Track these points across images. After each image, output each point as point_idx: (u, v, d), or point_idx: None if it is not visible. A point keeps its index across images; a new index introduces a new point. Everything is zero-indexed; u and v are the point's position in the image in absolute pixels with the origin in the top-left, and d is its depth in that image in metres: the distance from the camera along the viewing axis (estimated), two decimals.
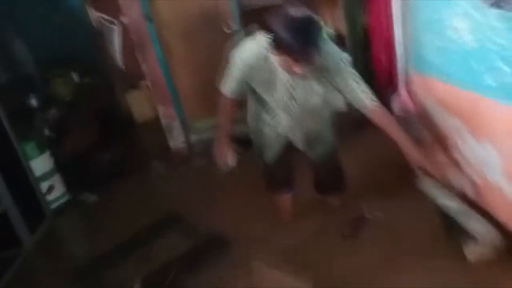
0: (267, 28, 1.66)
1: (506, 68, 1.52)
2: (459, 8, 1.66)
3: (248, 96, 2.09)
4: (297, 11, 1.62)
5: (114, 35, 4.90)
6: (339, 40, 3.34)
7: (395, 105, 2.52)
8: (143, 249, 2.38)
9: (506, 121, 1.63)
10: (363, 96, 1.82)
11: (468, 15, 1.64)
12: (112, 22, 4.86)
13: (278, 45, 1.65)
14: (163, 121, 3.67)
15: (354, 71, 1.85)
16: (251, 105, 2.12)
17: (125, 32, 4.22)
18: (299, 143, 2.13)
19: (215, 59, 3.45)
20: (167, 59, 3.54)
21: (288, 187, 2.35)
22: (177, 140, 3.70)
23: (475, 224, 1.79)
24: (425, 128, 2.30)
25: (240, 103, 2.09)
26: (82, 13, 4.91)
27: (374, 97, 1.85)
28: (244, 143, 2.99)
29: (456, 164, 2.09)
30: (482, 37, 1.62)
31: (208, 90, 3.46)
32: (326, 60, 1.78)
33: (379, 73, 3.08)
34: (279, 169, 2.25)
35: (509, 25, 1.44)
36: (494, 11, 1.45)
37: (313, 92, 1.93)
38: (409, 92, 2.42)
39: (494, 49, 1.56)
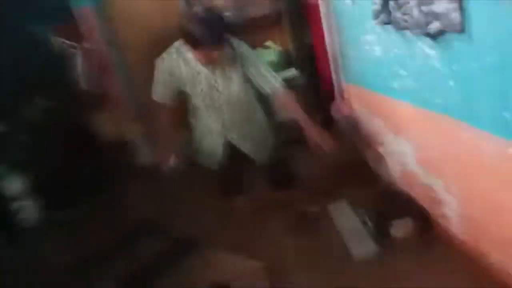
0: (182, 30, 1.94)
1: (403, 72, 1.87)
2: (368, 25, 2.00)
3: (188, 116, 2.34)
4: (202, 10, 1.94)
5: (77, 59, 5.09)
6: (286, 57, 3.69)
7: (333, 111, 2.86)
8: (120, 254, 2.56)
9: (413, 119, 1.96)
10: (274, 81, 2.13)
11: (375, 30, 1.99)
12: (73, 47, 5.06)
13: (190, 39, 1.93)
14: (129, 138, 3.87)
15: (265, 63, 2.17)
16: (191, 123, 2.36)
17: (89, 56, 4.43)
18: (243, 146, 2.32)
19: None
20: (130, 80, 3.76)
21: (238, 191, 2.57)
22: (143, 157, 3.91)
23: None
24: (356, 128, 2.63)
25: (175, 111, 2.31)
26: (45, 41, 5.08)
27: (283, 83, 2.15)
28: None
29: (382, 157, 2.42)
30: (384, 47, 1.97)
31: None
32: (242, 54, 2.09)
33: (323, 84, 3.42)
34: (227, 176, 2.47)
35: (399, 37, 1.79)
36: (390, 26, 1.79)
37: (232, 81, 2.14)
38: (344, 99, 2.76)
39: (393, 57, 1.91)
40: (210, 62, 2.04)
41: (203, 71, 2.09)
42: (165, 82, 2.19)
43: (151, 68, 3.68)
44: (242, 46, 2.12)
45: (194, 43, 1.93)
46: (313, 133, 2.13)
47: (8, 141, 3.81)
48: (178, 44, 2.12)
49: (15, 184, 3.39)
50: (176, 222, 2.75)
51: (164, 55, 2.17)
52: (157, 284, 2.18)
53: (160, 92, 2.23)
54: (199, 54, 1.99)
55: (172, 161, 2.26)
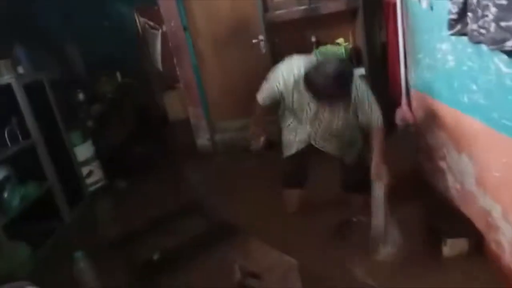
0: (308, 79, 1.90)
1: (474, 87, 1.75)
2: (444, 33, 1.88)
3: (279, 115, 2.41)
4: (332, 66, 1.85)
5: (157, 40, 5.39)
6: (356, 54, 3.59)
7: (398, 117, 2.75)
8: (165, 229, 2.72)
9: (479, 137, 1.84)
10: (374, 119, 2.12)
11: (450, 39, 1.87)
12: (155, 28, 5.36)
13: (315, 91, 1.91)
14: (192, 120, 4.04)
15: (373, 98, 2.12)
16: (282, 107, 2.36)
17: (165, 38, 4.66)
18: (329, 150, 2.35)
19: (242, 67, 3.83)
20: (199, 65, 3.91)
21: (298, 184, 2.55)
22: (203, 138, 4.06)
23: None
24: (419, 138, 2.51)
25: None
26: (130, 20, 5.42)
27: (380, 120, 2.13)
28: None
29: (441, 171, 2.30)
30: (458, 58, 1.85)
31: (233, 95, 3.84)
32: (356, 92, 2.05)
33: (392, 85, 3.29)
34: (293, 167, 2.48)
35: (475, 50, 1.67)
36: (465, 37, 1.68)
37: (339, 117, 2.16)
38: (410, 106, 2.64)
39: (466, 70, 1.79)
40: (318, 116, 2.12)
41: (314, 104, 2.11)
42: (275, 94, 2.20)
43: (218, 53, 3.82)
44: (359, 88, 2.07)
45: (318, 96, 1.94)
46: (376, 167, 2.09)
47: (84, 110, 4.16)
48: (299, 64, 2.07)
49: (86, 151, 3.68)
50: (223, 207, 2.85)
51: (284, 69, 2.13)
52: (192, 262, 2.28)
53: (266, 99, 2.26)
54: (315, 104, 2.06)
55: (262, 141, 2.39)
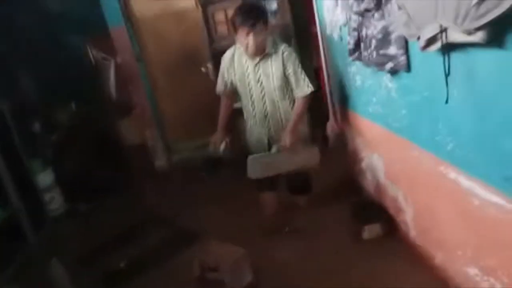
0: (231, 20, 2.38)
1: (374, 99, 2.24)
2: (349, 58, 2.38)
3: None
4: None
5: (110, 70, 5.63)
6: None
7: (328, 129, 3.23)
8: (129, 241, 2.99)
9: (382, 138, 2.32)
10: (305, 85, 2.43)
11: (355, 63, 2.37)
12: (107, 59, 5.61)
13: (233, 23, 2.35)
14: (149, 143, 4.33)
15: (302, 69, 2.44)
16: (244, 117, 2.70)
17: (118, 68, 4.95)
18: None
19: (194, 92, 4.21)
20: (153, 92, 4.25)
21: (271, 187, 2.79)
22: (160, 160, 4.36)
23: None
24: (346, 145, 3.00)
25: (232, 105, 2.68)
26: (81, 51, 5.64)
27: (311, 88, 2.43)
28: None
29: (363, 170, 2.77)
30: (362, 78, 2.35)
31: (188, 117, 4.20)
32: (283, 53, 2.41)
33: (325, 102, 3.80)
34: None
35: (371, 71, 2.17)
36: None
37: (272, 74, 2.43)
38: (335, 118, 3.13)
39: (368, 86, 2.28)
40: (249, 51, 2.35)
41: (249, 63, 2.46)
42: (223, 75, 2.58)
43: (170, 81, 4.18)
44: (282, 46, 2.45)
45: (234, 25, 2.35)
46: (286, 138, 2.43)
47: (42, 139, 4.32)
48: (231, 49, 2.55)
49: (46, 178, 3.86)
50: (185, 217, 3.17)
51: (224, 57, 2.58)
52: (159, 266, 2.57)
53: (219, 83, 2.62)
54: (239, 38, 2.35)
55: (222, 147, 2.58)
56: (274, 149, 2.50)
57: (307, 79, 2.44)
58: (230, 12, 3.48)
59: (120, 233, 3.16)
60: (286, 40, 3.92)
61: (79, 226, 3.68)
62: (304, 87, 2.43)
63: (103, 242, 3.08)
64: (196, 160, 4.00)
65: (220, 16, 3.84)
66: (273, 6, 3.88)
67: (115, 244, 3.03)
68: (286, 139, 2.41)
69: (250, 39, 2.31)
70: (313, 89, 2.45)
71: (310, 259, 2.44)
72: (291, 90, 2.50)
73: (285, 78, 2.45)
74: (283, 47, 2.45)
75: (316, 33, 3.33)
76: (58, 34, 5.37)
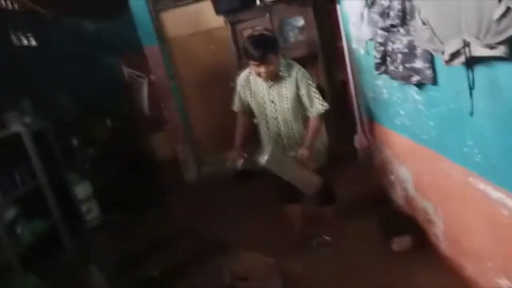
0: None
1: (402, 112, 2.27)
2: (376, 71, 2.43)
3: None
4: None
5: (143, 88, 5.88)
6: (320, 91, 4.14)
7: (356, 142, 3.27)
8: (162, 250, 3.11)
9: (410, 151, 2.34)
10: (318, 104, 2.45)
11: (382, 77, 2.41)
12: (141, 77, 5.86)
13: (245, 54, 2.41)
14: (180, 157, 4.48)
15: (315, 89, 2.48)
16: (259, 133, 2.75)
17: (151, 86, 5.16)
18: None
19: (223, 107, 4.33)
20: (185, 108, 4.41)
21: (296, 198, 2.78)
22: (191, 173, 4.49)
23: None
24: (374, 158, 3.02)
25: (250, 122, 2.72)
26: (116, 70, 5.93)
27: (324, 107, 2.45)
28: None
29: (392, 183, 2.78)
30: (389, 91, 2.39)
31: (217, 132, 4.32)
32: (295, 73, 2.45)
33: (351, 115, 3.84)
34: (284, 183, 2.61)
35: (398, 84, 2.21)
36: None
37: (286, 95, 2.46)
38: (364, 131, 3.16)
39: (395, 99, 2.32)
40: (262, 76, 2.42)
41: (263, 85, 2.52)
42: (239, 94, 2.66)
43: (201, 97, 4.34)
44: (296, 68, 2.49)
45: (246, 57, 2.42)
46: (302, 151, 2.43)
47: (79, 154, 4.55)
48: (246, 70, 2.60)
49: (84, 190, 4.06)
50: (215, 228, 3.26)
51: (240, 71, 2.66)
52: (190, 275, 2.66)
53: (236, 102, 2.70)
54: (252, 67, 2.41)
55: (240, 162, 2.62)
56: (291, 153, 2.52)
57: (320, 98, 2.48)
58: (259, 29, 3.61)
59: (153, 243, 3.27)
60: (313, 55, 4.03)
61: (114, 236, 3.83)
62: (317, 106, 2.47)
63: (137, 251, 3.21)
64: (225, 174, 4.10)
65: (248, 34, 3.98)
66: (300, 22, 3.99)
67: (148, 253, 3.15)
68: (302, 152, 2.44)
69: (262, 69, 2.37)
70: (326, 108, 2.47)
71: (338, 271, 2.45)
72: (304, 110, 2.53)
73: (299, 99, 2.49)
74: (296, 68, 2.49)
75: (342, 48, 3.40)
76: (94, 54, 5.68)
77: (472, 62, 1.41)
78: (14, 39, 4.33)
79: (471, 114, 1.51)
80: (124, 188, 4.65)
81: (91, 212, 4.04)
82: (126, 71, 5.95)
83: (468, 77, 1.46)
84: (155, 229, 3.59)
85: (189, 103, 4.43)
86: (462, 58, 1.45)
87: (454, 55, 1.49)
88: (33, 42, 4.66)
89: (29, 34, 4.59)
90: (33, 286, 2.89)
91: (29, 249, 3.08)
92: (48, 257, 3.30)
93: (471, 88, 1.48)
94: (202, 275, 2.65)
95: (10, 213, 3.06)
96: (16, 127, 3.30)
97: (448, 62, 1.54)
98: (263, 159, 2.35)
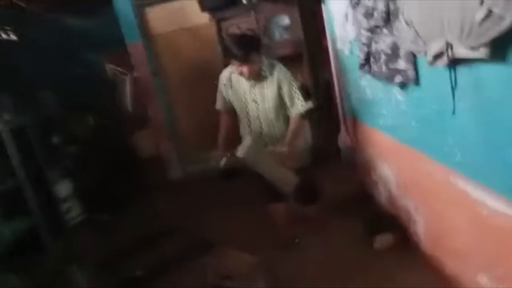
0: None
1: (384, 112, 2.30)
2: (359, 71, 2.46)
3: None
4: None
5: (126, 85, 5.81)
6: (304, 91, 4.16)
7: (339, 140, 3.29)
8: (146, 249, 3.07)
9: (392, 150, 2.37)
10: (299, 105, 2.46)
11: (366, 77, 2.44)
12: (124, 74, 5.79)
13: (227, 53, 2.37)
14: (164, 155, 4.44)
15: (297, 88, 2.49)
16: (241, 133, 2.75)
17: (135, 83, 5.11)
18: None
19: (208, 105, 4.30)
20: (169, 105, 4.37)
21: (279, 198, 2.77)
22: (175, 170, 4.45)
23: None
24: (357, 155, 3.05)
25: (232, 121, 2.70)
26: (99, 67, 5.84)
27: (304, 107, 2.46)
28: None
29: (375, 181, 2.81)
30: (372, 91, 2.41)
31: (203, 129, 4.29)
32: (278, 74, 2.45)
33: (336, 115, 3.87)
34: (267, 183, 2.63)
35: (381, 84, 2.23)
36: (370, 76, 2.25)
37: (267, 95, 2.48)
38: (347, 130, 3.19)
39: (378, 99, 2.35)
40: (244, 76, 2.42)
41: (245, 84, 2.52)
42: (221, 93, 2.65)
43: (185, 94, 4.30)
44: (277, 67, 2.49)
45: (228, 56, 2.40)
46: (281, 149, 2.44)
47: (60, 151, 4.47)
48: (228, 69, 2.59)
49: (65, 188, 3.99)
50: (199, 227, 3.24)
51: (224, 71, 2.63)
52: (174, 274, 2.64)
53: (219, 101, 2.69)
54: (236, 67, 2.41)
55: (223, 161, 2.63)
56: (269, 148, 2.53)
57: (301, 98, 2.48)
58: (244, 27, 3.60)
59: (136, 242, 3.23)
60: (298, 55, 4.04)
61: (96, 235, 3.78)
62: (298, 106, 2.47)
63: (120, 250, 3.17)
64: (210, 171, 4.07)
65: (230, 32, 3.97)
66: (285, 21, 3.99)
67: (132, 252, 3.11)
68: (282, 149, 2.44)
69: (244, 69, 2.37)
70: (306, 108, 2.48)
71: (321, 270, 2.47)
72: (285, 109, 2.54)
73: (280, 98, 2.50)
74: (278, 68, 2.50)
75: (327, 47, 3.42)
76: (76, 51, 5.59)
77: (454, 63, 1.44)
78: None
79: (453, 113, 1.54)
80: (107, 186, 4.59)
81: (73, 210, 3.96)
82: (109, 67, 5.88)
83: (451, 78, 1.49)
84: (139, 228, 3.55)
85: (173, 100, 4.39)
86: (445, 59, 1.48)
87: (437, 56, 1.52)
88: (13, 37, 4.56)
89: (8, 28, 4.48)
90: (12, 285, 2.83)
91: (8, 248, 3.01)
92: (28, 256, 3.23)
93: (453, 89, 1.50)
94: (186, 273, 2.63)
95: None
96: None
97: (431, 63, 1.56)
98: (242, 151, 2.37)
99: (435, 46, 1.50)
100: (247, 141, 2.44)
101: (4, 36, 4.50)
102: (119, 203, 4.22)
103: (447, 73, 1.52)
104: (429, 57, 1.55)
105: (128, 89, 5.77)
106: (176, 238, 3.18)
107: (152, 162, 4.99)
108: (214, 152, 2.70)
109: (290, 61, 4.18)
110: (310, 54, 3.97)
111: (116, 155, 5.36)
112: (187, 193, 4.20)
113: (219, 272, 2.37)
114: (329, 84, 4.07)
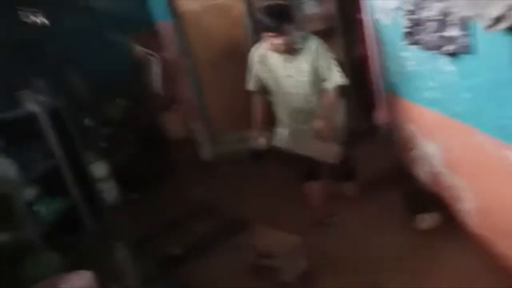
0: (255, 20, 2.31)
1: (431, 84, 2.18)
2: (403, 42, 2.33)
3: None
4: (271, 2, 2.31)
5: (155, 66, 5.80)
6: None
7: (375, 118, 3.18)
8: (183, 228, 3.09)
9: (439, 125, 2.26)
10: (337, 75, 2.39)
11: (409, 48, 2.31)
12: (152, 55, 5.77)
13: (259, 26, 2.31)
14: (195, 135, 4.43)
15: (334, 62, 2.42)
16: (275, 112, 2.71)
17: (164, 63, 5.08)
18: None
19: (240, 84, 4.24)
20: (199, 85, 4.33)
21: (315, 177, 2.81)
22: (206, 152, 4.45)
23: None
24: (395, 132, 2.93)
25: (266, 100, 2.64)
26: (127, 48, 5.84)
27: (344, 78, 2.39)
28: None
29: (415, 159, 2.71)
30: (416, 62, 2.29)
31: (233, 109, 4.25)
32: (312, 44, 2.38)
33: (371, 90, 3.74)
34: (303, 162, 2.69)
35: (428, 55, 2.10)
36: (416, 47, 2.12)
37: (304, 68, 2.40)
38: (384, 106, 3.07)
39: (423, 71, 2.22)
40: (278, 50, 2.35)
41: (279, 60, 2.43)
42: (254, 71, 2.56)
43: (216, 74, 4.24)
44: (311, 39, 2.41)
45: (260, 30, 2.32)
46: (319, 123, 2.39)
47: (93, 133, 4.54)
48: (259, 46, 2.51)
49: (100, 169, 4.05)
50: (231, 207, 3.24)
51: (253, 49, 2.55)
52: (212, 253, 2.65)
53: (253, 82, 2.61)
54: (269, 42, 2.33)
55: (261, 142, 2.60)
56: (305, 127, 2.46)
57: (339, 70, 2.40)
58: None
59: (171, 221, 3.26)
60: (329, 29, 3.89)
61: (133, 214, 3.84)
62: (336, 78, 2.39)
63: (157, 230, 3.20)
64: (241, 152, 4.05)
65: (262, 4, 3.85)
66: None
67: (168, 232, 3.14)
68: (319, 123, 2.38)
69: (278, 41, 2.29)
70: (345, 80, 2.40)
71: (360, 249, 2.41)
72: (321, 84, 2.45)
73: (317, 71, 2.41)
74: (312, 40, 2.41)
75: (361, 20, 3.28)
76: (104, 32, 5.59)
77: None
78: (23, 16, 4.26)
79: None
80: (139, 167, 4.65)
81: (109, 191, 4.04)
82: (138, 48, 5.86)
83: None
84: (172, 208, 3.57)
85: (203, 80, 4.34)
86: (504, 23, 1.36)
87: (497, 21, 1.40)
88: (43, 20, 4.59)
89: (36, 11, 4.51)
90: (55, 264, 2.91)
91: (50, 228, 3.09)
92: (69, 236, 3.32)
93: None
94: (223, 253, 2.63)
95: (31, 192, 3.05)
96: (31, 107, 3.26)
97: (490, 28, 1.44)
98: (279, 141, 2.33)
99: (495, 9, 1.38)
100: (283, 130, 2.40)
101: (34, 18, 4.53)
102: (152, 184, 4.26)
103: (505, 39, 1.40)
104: (488, 21, 1.43)
105: (157, 70, 5.76)
106: (210, 217, 3.18)
107: (183, 143, 5.01)
108: (249, 133, 2.65)
109: (321, 36, 4.08)
110: (343, 28, 3.82)
111: (147, 136, 5.42)
112: (218, 173, 4.19)
113: (259, 251, 2.35)
114: (362, 60, 3.93)
